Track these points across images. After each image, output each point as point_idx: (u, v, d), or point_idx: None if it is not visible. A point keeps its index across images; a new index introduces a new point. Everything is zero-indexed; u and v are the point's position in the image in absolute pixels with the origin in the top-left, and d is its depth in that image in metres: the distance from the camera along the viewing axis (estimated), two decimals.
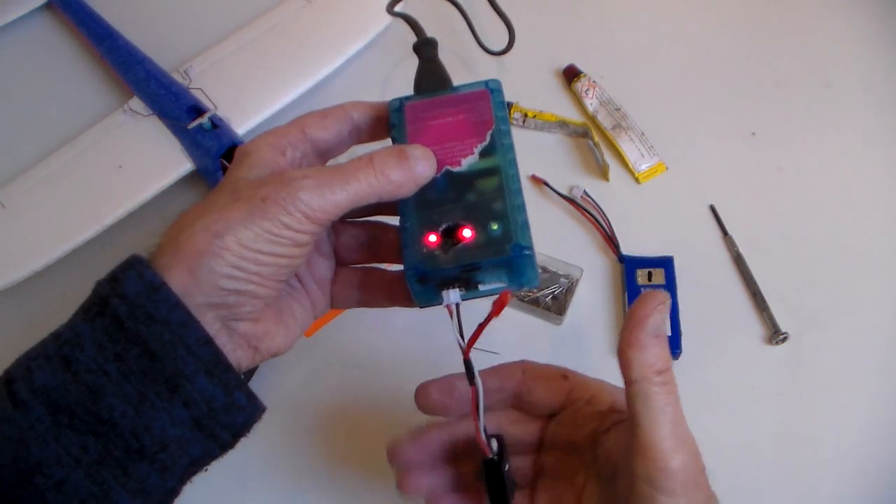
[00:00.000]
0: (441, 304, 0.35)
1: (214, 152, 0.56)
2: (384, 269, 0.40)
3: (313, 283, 0.39)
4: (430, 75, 0.40)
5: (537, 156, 0.60)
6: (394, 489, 0.38)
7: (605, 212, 0.56)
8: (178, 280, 0.31)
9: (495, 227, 0.34)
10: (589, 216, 0.57)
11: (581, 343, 0.53)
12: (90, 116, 0.62)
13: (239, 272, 0.32)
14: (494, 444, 0.36)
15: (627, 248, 0.55)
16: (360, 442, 0.51)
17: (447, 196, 0.35)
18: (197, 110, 0.59)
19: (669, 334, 0.52)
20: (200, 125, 0.58)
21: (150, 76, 0.61)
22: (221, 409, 0.32)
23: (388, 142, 0.37)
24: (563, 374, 0.38)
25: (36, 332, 0.56)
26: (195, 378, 0.31)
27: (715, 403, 0.50)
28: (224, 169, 0.57)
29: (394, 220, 0.38)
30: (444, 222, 0.35)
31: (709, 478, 0.33)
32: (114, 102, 0.63)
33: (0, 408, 0.30)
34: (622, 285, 0.54)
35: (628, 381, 0.32)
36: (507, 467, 0.36)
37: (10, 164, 0.60)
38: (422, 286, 0.35)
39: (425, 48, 0.41)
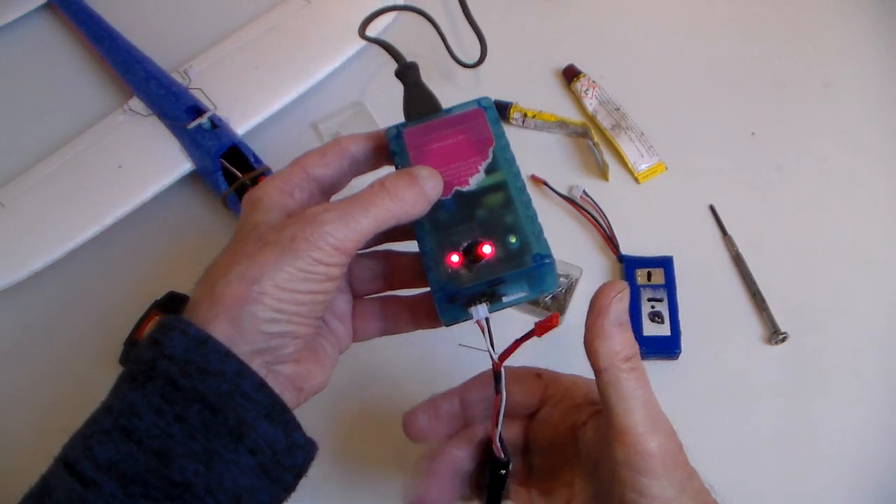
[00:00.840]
0: (468, 320, 0.36)
1: (214, 152, 0.56)
2: (402, 295, 0.41)
3: (335, 319, 0.39)
4: (419, 100, 0.41)
5: (537, 156, 0.60)
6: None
7: (605, 212, 0.56)
8: (221, 331, 0.32)
9: (513, 240, 0.35)
10: (588, 216, 0.57)
11: (580, 343, 0.53)
12: (90, 116, 0.62)
13: (280, 315, 0.32)
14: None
15: (627, 248, 0.55)
16: (356, 443, 0.51)
17: (460, 216, 0.36)
18: (197, 110, 0.59)
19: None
20: (200, 125, 0.58)
21: (150, 76, 0.61)
22: (284, 451, 0.32)
23: (386, 170, 0.38)
24: (537, 374, 0.39)
25: (35, 333, 0.56)
26: (257, 424, 0.31)
27: (714, 403, 0.50)
28: (224, 169, 0.57)
29: (402, 247, 0.39)
30: (463, 241, 0.36)
31: (687, 455, 0.33)
32: (114, 102, 0.64)
33: (68, 491, 0.30)
34: None
35: (598, 370, 0.33)
36: (510, 468, 0.37)
37: (10, 164, 0.60)
38: (449, 305, 0.36)
39: (408, 73, 0.42)
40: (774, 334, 0.52)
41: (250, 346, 0.32)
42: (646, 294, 0.53)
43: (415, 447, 0.39)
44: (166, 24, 0.69)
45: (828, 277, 0.54)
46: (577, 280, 0.54)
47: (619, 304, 0.33)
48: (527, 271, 0.35)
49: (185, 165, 0.58)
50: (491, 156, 0.38)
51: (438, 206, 0.37)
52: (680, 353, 0.51)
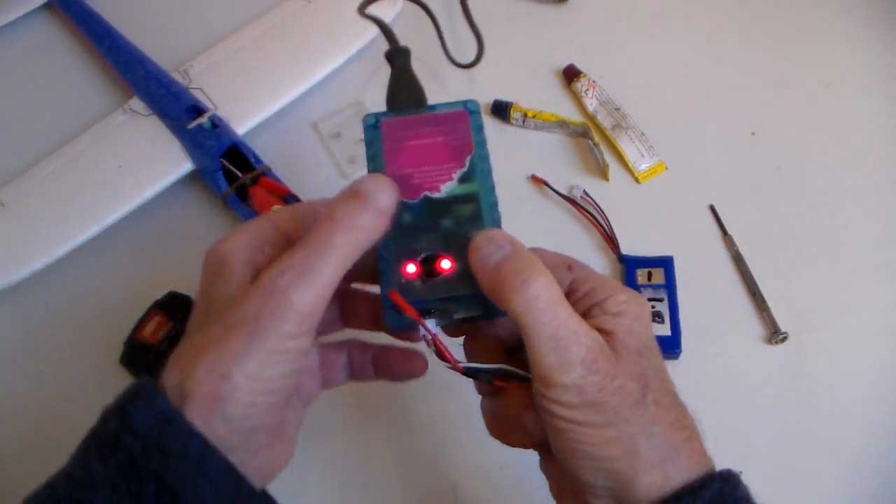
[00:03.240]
0: (414, 329, 0.34)
1: (214, 152, 0.56)
2: (367, 344, 0.39)
3: (304, 374, 0.37)
4: (405, 89, 0.39)
5: (537, 156, 0.60)
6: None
7: (605, 211, 0.56)
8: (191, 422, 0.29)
9: None
10: (589, 216, 0.57)
11: None
12: (90, 116, 0.62)
13: (252, 410, 0.30)
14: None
15: (627, 248, 0.55)
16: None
17: (425, 223, 0.35)
18: (197, 110, 0.59)
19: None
20: (200, 125, 0.58)
21: (150, 76, 0.61)
22: None
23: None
24: (568, 265, 0.36)
25: (36, 332, 0.56)
26: None
27: (714, 403, 0.50)
28: (224, 169, 0.57)
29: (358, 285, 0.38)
30: (423, 251, 0.34)
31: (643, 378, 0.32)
32: (114, 102, 0.63)
33: None
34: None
35: (514, 315, 0.32)
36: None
37: (10, 164, 0.60)
38: (398, 313, 0.34)
39: (398, 56, 0.40)
40: (774, 334, 0.52)
41: (223, 444, 0.30)
42: (646, 294, 0.53)
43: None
44: (166, 24, 0.69)
45: (828, 277, 0.54)
46: None
47: (479, 249, 0.33)
48: (482, 294, 0.33)
49: (186, 165, 0.58)
50: (468, 165, 0.36)
51: (403, 207, 0.35)
52: (680, 352, 0.51)
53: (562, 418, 0.31)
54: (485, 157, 0.36)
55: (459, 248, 0.34)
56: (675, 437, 0.32)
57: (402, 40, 0.42)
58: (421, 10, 0.57)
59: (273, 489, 0.34)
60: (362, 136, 0.38)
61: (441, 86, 0.63)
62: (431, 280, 0.34)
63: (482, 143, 0.37)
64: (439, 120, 0.37)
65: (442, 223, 0.35)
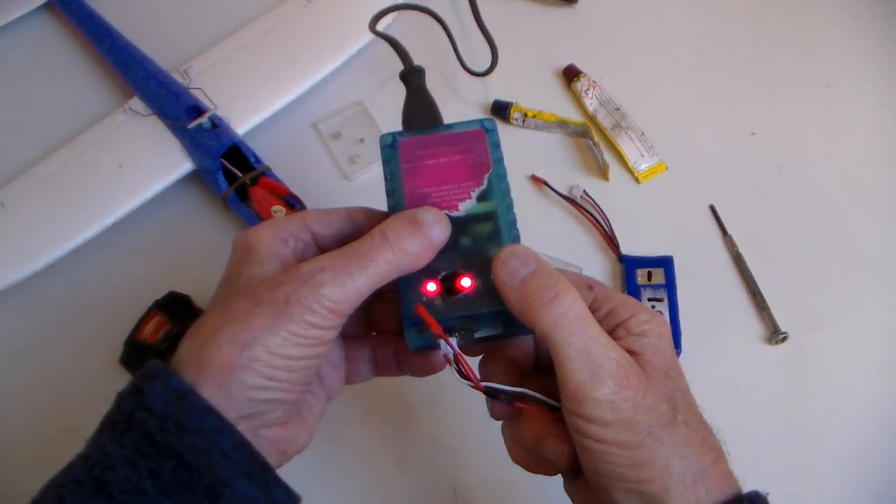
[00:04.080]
0: (435, 349, 0.34)
1: (214, 152, 0.56)
2: (391, 339, 0.39)
3: (328, 366, 0.38)
4: (421, 109, 0.39)
5: (537, 156, 0.60)
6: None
7: (605, 211, 0.56)
8: (208, 395, 0.30)
9: None
10: (589, 216, 0.57)
11: None
12: (90, 116, 0.62)
13: (270, 382, 0.31)
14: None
15: (627, 248, 0.55)
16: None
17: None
18: (197, 110, 0.59)
19: None
20: (200, 125, 0.58)
21: (150, 76, 0.61)
22: None
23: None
24: (589, 285, 0.37)
25: (36, 332, 0.56)
26: (234, 483, 0.30)
27: (714, 403, 0.50)
28: (224, 169, 0.57)
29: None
30: (443, 270, 0.34)
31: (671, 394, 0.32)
32: (114, 102, 0.63)
33: None
34: (622, 285, 0.54)
35: (542, 334, 0.32)
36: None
37: (10, 164, 0.60)
38: (418, 333, 0.34)
39: (413, 77, 0.40)
40: (774, 334, 0.52)
41: (237, 412, 0.31)
42: (646, 294, 0.53)
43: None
44: (166, 24, 0.69)
45: (828, 277, 0.54)
46: None
47: (504, 264, 0.33)
48: (504, 311, 0.34)
49: (186, 165, 0.58)
50: (486, 182, 0.36)
51: None
52: (680, 352, 0.51)
53: (594, 438, 0.31)
54: (502, 175, 0.37)
55: (479, 265, 0.34)
56: (705, 459, 0.32)
57: (407, 48, 0.42)
58: (423, 14, 0.57)
59: None
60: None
61: (448, 88, 0.63)
62: (452, 298, 0.34)
63: (500, 161, 0.37)
64: (456, 139, 0.37)
65: (461, 241, 0.35)
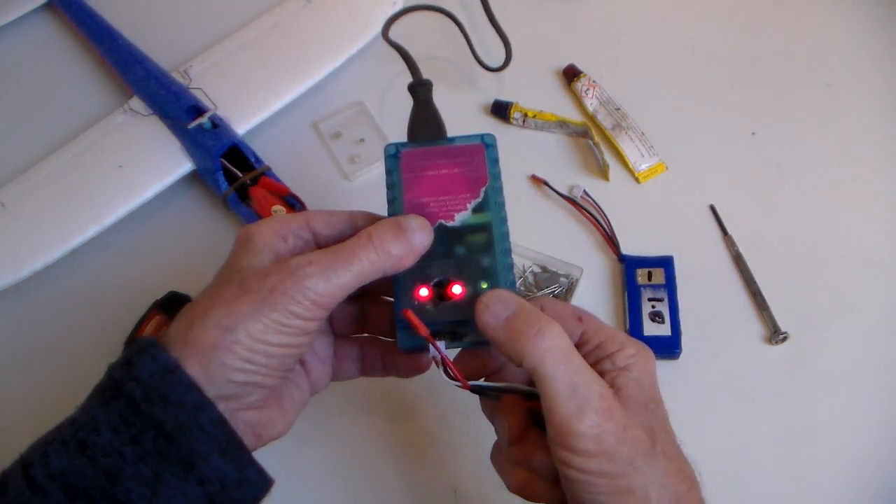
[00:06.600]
0: (425, 350, 0.36)
1: (214, 152, 0.56)
2: (380, 340, 0.41)
3: (316, 359, 0.40)
4: (426, 122, 0.41)
5: (537, 156, 0.60)
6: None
7: (605, 211, 0.56)
8: (191, 373, 0.32)
9: (485, 285, 0.36)
10: (589, 216, 0.57)
11: None
12: (90, 116, 0.62)
13: (249, 365, 0.33)
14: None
15: (627, 248, 0.55)
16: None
17: (439, 250, 0.37)
18: (197, 110, 0.59)
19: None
20: (200, 125, 0.58)
21: (150, 76, 0.61)
22: (234, 485, 0.32)
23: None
24: (579, 317, 0.38)
25: (36, 332, 0.56)
26: (210, 457, 0.32)
27: (715, 403, 0.50)
28: (224, 169, 0.57)
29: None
30: (436, 276, 0.36)
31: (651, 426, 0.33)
32: (114, 102, 0.64)
33: (17, 493, 0.30)
34: (622, 285, 0.54)
35: (530, 369, 0.33)
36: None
37: (10, 164, 0.60)
38: (410, 334, 0.36)
39: (421, 90, 0.42)
40: (775, 334, 0.52)
41: (216, 391, 0.32)
42: (646, 294, 0.53)
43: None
44: (166, 24, 0.69)
45: (828, 277, 0.54)
46: (577, 280, 0.54)
47: (487, 307, 0.34)
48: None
49: (186, 165, 0.58)
50: (482, 195, 0.38)
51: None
52: (680, 352, 0.51)
53: (578, 469, 0.32)
54: (499, 189, 0.38)
55: (471, 274, 0.36)
56: (680, 488, 0.33)
57: (413, 45, 0.42)
58: (432, 10, 0.57)
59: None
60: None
61: (448, 86, 0.63)
62: (443, 304, 0.36)
63: (497, 176, 0.39)
64: (457, 152, 0.39)
65: (455, 250, 0.37)
